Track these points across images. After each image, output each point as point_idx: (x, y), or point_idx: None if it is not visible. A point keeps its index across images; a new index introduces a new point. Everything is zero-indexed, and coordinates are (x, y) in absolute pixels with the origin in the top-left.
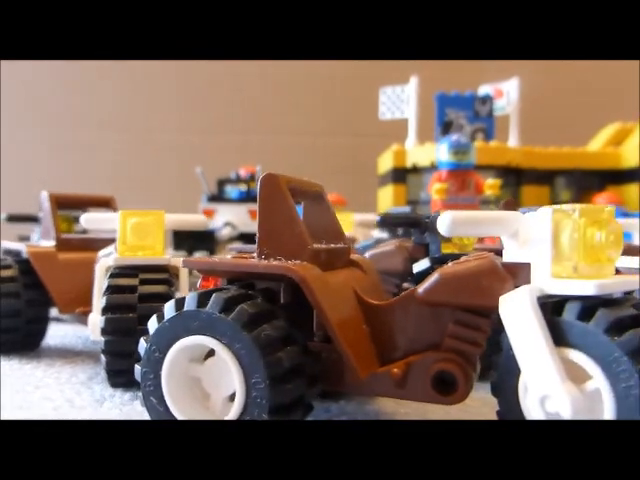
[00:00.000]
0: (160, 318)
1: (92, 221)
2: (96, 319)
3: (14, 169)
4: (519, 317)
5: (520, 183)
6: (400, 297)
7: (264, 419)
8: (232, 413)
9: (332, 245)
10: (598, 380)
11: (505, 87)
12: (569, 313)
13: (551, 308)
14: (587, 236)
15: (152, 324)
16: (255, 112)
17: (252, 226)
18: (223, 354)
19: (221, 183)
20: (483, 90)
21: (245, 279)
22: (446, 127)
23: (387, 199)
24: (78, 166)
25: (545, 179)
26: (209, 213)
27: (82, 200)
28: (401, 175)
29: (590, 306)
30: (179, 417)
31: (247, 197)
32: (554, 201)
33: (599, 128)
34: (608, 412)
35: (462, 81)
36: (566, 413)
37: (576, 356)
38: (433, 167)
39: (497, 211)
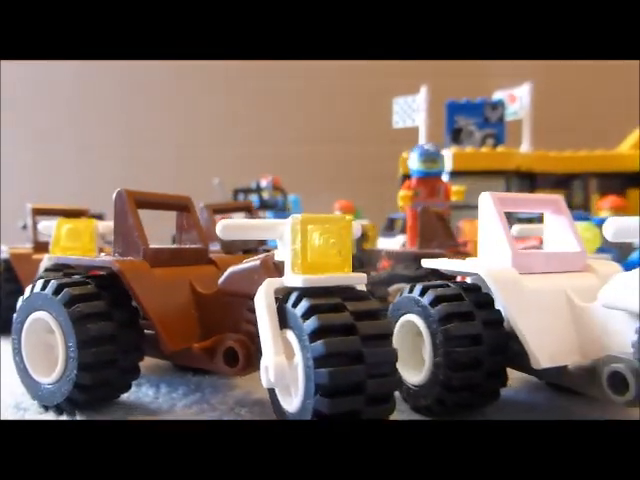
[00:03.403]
0: (23, 298)
1: (47, 228)
2: None
3: (42, 182)
4: (258, 304)
5: (534, 188)
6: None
7: (75, 375)
8: (57, 370)
9: (185, 246)
10: (297, 354)
11: (518, 92)
12: (290, 302)
13: (284, 298)
14: (311, 240)
15: (19, 302)
16: (278, 123)
17: None
18: (53, 325)
19: (236, 192)
20: (497, 96)
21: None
22: (455, 134)
23: None
24: (106, 178)
25: (560, 183)
26: None
27: (59, 211)
28: None
29: (300, 296)
30: (32, 374)
31: (260, 205)
32: (570, 206)
33: (619, 131)
34: (300, 379)
35: (475, 88)
36: (272, 379)
37: (290, 336)
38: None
39: (270, 220)
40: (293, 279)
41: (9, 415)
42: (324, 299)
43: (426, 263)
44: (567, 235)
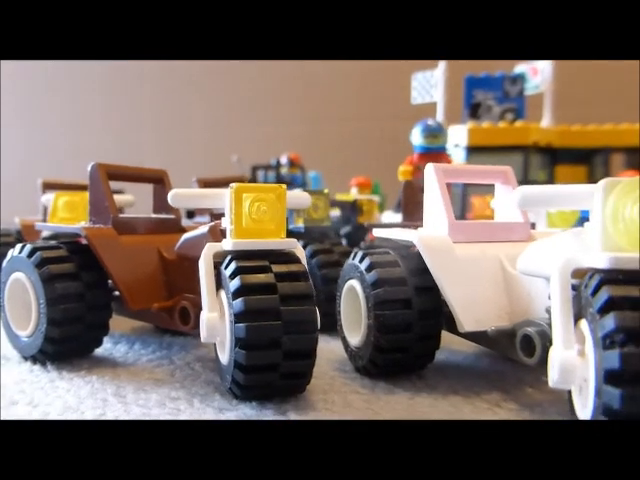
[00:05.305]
0: (5, 260)
1: (48, 201)
2: None
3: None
4: (200, 266)
5: (554, 163)
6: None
7: (45, 329)
8: (31, 324)
9: (156, 216)
10: (226, 311)
11: (540, 65)
12: (224, 265)
13: (222, 261)
14: (245, 207)
15: (3, 264)
16: (301, 102)
17: None
18: (27, 285)
19: (255, 169)
20: (519, 69)
21: None
22: (474, 109)
23: None
24: (140, 157)
25: (582, 158)
26: None
27: (68, 186)
28: None
29: (231, 258)
30: (14, 328)
31: (277, 181)
32: (592, 180)
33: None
34: (227, 334)
35: (496, 63)
36: (204, 334)
37: (222, 295)
38: (455, 148)
39: (215, 189)
40: (228, 243)
41: None
42: (252, 262)
43: (376, 232)
44: (513, 206)
